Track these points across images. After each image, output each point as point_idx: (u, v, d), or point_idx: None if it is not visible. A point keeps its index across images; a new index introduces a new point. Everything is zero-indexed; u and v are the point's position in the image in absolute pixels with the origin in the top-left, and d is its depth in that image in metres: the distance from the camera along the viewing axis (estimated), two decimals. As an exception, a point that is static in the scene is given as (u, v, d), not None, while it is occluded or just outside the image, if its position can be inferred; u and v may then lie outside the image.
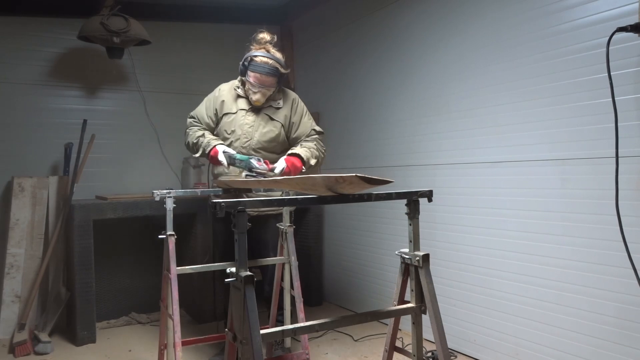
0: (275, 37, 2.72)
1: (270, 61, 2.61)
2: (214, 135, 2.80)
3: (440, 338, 1.67)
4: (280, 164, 2.56)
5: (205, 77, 4.24)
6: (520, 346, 2.53)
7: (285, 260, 2.64)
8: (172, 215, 2.40)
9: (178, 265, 2.38)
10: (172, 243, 2.38)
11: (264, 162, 2.50)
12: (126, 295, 3.74)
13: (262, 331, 1.44)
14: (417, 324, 1.76)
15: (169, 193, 2.40)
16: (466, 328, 2.83)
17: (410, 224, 1.74)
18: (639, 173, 2.03)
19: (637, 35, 1.92)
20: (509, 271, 2.58)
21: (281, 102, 2.75)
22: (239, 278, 1.46)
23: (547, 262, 2.39)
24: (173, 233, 2.41)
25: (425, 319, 1.73)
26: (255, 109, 2.73)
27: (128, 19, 3.31)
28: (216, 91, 2.83)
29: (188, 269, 2.56)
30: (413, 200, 1.73)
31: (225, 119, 2.75)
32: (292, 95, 2.82)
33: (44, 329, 3.18)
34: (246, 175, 2.50)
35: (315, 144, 2.75)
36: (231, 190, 2.65)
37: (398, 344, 1.86)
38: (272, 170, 2.53)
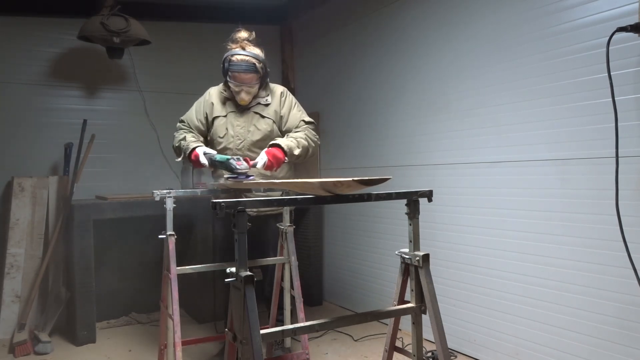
0: (254, 34, 2.68)
1: (247, 57, 2.59)
2: (207, 139, 2.78)
3: (440, 338, 1.67)
4: (262, 159, 2.50)
5: (205, 77, 4.25)
6: (520, 346, 2.53)
7: (285, 260, 2.64)
8: (172, 215, 2.40)
9: (178, 265, 2.38)
10: (172, 243, 2.38)
11: (245, 160, 2.41)
12: (126, 295, 3.74)
13: (262, 331, 1.44)
14: (417, 324, 1.76)
15: (169, 193, 2.40)
16: (466, 328, 2.83)
17: (410, 224, 1.74)
18: (639, 173, 2.03)
19: (637, 35, 1.92)
20: (509, 271, 2.58)
21: (269, 97, 2.73)
22: (239, 278, 1.46)
23: (547, 262, 2.39)
24: (173, 233, 2.41)
25: (425, 319, 1.73)
26: (244, 109, 2.71)
27: (128, 19, 3.31)
28: (206, 94, 2.82)
29: (188, 269, 2.56)
30: (413, 200, 1.73)
31: (216, 123, 2.73)
32: (280, 89, 2.80)
33: (44, 329, 3.18)
34: (227, 177, 2.45)
35: (304, 134, 2.68)
36: (230, 190, 2.64)
37: (398, 344, 1.86)
38: (253, 166, 2.48)
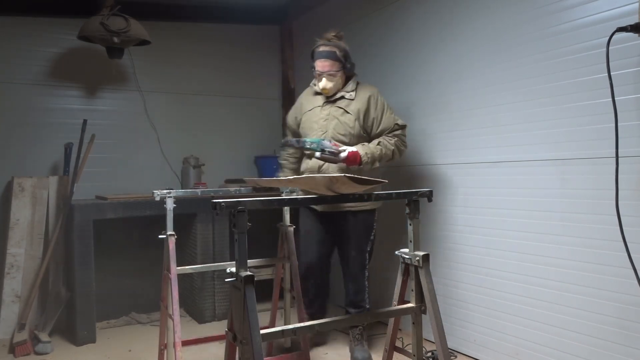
0: (342, 33, 2.81)
1: (328, 47, 2.71)
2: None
3: (440, 338, 1.68)
4: (347, 150, 2.60)
5: (206, 77, 4.26)
6: (520, 346, 2.53)
7: (285, 260, 2.64)
8: (172, 215, 2.41)
9: (178, 265, 2.38)
10: (172, 243, 2.39)
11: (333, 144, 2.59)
12: (126, 295, 3.74)
13: (262, 331, 1.44)
14: (417, 324, 1.77)
15: (169, 193, 2.41)
16: (466, 328, 2.83)
17: (410, 224, 1.74)
18: (639, 173, 2.03)
19: (637, 35, 1.91)
20: (509, 271, 2.58)
21: (353, 94, 2.77)
22: (239, 278, 1.46)
23: (547, 262, 2.39)
24: (173, 233, 2.41)
25: (425, 319, 1.73)
26: (329, 103, 2.79)
27: (128, 19, 3.31)
28: (300, 96, 3.00)
29: (188, 269, 2.56)
30: (413, 200, 1.73)
31: (304, 118, 2.87)
32: (369, 90, 2.80)
33: (44, 329, 3.18)
34: (320, 155, 2.57)
35: (394, 142, 2.75)
36: (260, 189, 2.67)
37: (398, 344, 1.87)
38: (340, 151, 2.59)
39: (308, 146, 2.61)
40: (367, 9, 3.58)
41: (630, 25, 1.84)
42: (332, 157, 2.57)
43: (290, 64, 4.53)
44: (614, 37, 1.86)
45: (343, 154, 2.59)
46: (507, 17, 2.57)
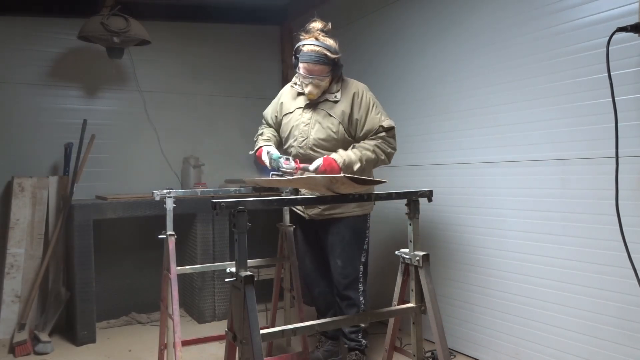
0: (330, 24, 2.49)
1: (317, 48, 2.38)
2: (278, 135, 2.72)
3: (440, 338, 1.68)
4: (317, 163, 2.35)
5: (206, 77, 4.26)
6: (521, 346, 2.53)
7: (285, 260, 2.64)
8: (172, 215, 2.41)
9: (178, 265, 2.38)
10: (172, 243, 2.39)
11: (294, 162, 2.35)
12: (126, 295, 3.74)
13: (262, 331, 1.44)
14: (417, 324, 1.77)
15: (169, 193, 2.41)
16: (466, 328, 2.83)
17: (410, 224, 1.74)
18: (639, 173, 2.03)
19: (637, 35, 1.92)
20: (509, 271, 2.58)
21: (339, 94, 2.50)
22: (239, 278, 1.46)
23: (547, 262, 2.39)
24: (173, 233, 2.41)
25: (425, 318, 1.73)
26: (312, 105, 2.52)
27: (128, 19, 3.31)
28: (280, 92, 2.73)
29: (188, 269, 2.56)
30: (413, 200, 1.73)
31: (284, 120, 2.61)
32: (354, 87, 2.52)
33: (44, 329, 3.18)
34: (272, 174, 2.37)
35: (375, 144, 2.44)
36: (261, 189, 2.60)
37: (398, 344, 1.87)
38: (304, 169, 2.34)
39: (272, 164, 2.40)
40: (366, 9, 3.58)
41: (630, 25, 1.84)
42: (286, 177, 2.33)
43: (290, 63, 4.52)
44: (614, 37, 1.86)
45: (312, 168, 2.34)
46: (507, 17, 2.57)
